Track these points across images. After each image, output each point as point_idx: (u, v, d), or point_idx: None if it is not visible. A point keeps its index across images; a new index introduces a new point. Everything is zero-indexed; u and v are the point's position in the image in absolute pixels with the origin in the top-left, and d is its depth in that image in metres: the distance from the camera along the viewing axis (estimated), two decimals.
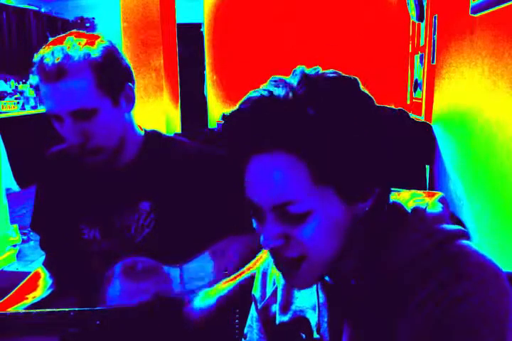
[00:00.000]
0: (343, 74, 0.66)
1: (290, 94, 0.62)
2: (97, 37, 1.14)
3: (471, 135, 2.37)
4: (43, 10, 6.91)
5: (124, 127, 1.18)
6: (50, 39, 1.13)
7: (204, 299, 1.04)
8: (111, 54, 1.12)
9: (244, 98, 0.66)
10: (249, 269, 1.07)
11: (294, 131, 0.61)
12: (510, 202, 1.82)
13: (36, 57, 1.09)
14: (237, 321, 1.03)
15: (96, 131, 1.11)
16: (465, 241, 0.66)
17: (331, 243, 0.65)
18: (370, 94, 0.67)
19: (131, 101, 1.18)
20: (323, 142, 0.61)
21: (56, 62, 1.05)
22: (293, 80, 0.64)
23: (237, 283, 1.04)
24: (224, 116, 0.66)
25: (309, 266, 0.66)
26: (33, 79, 1.09)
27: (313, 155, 0.61)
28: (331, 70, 0.66)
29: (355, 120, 0.62)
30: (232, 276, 1.07)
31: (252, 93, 0.65)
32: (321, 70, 0.66)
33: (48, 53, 1.07)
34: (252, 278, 1.03)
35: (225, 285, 1.05)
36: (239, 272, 1.07)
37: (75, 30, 1.16)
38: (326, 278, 0.73)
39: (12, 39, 6.39)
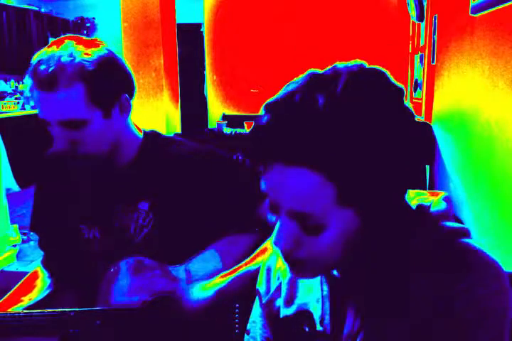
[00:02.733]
0: (372, 80, 0.63)
1: (316, 111, 0.59)
2: (97, 45, 1.12)
3: (471, 135, 2.37)
4: (43, 10, 6.90)
5: (116, 134, 1.17)
6: (51, 40, 1.12)
7: (202, 291, 1.04)
8: (108, 64, 1.10)
9: (270, 101, 0.63)
10: (247, 264, 1.07)
11: (323, 152, 0.58)
12: (510, 202, 1.82)
13: (34, 60, 1.08)
14: (237, 315, 1.03)
15: (85, 139, 1.10)
16: (469, 240, 0.67)
17: (340, 251, 0.66)
18: (407, 107, 0.64)
19: (125, 112, 1.16)
20: (352, 166, 0.59)
21: (50, 71, 1.04)
22: (317, 92, 0.60)
23: (236, 276, 1.05)
24: (255, 123, 0.63)
25: (314, 266, 0.68)
26: (28, 81, 1.08)
27: (342, 178, 0.60)
28: (357, 67, 0.64)
29: (387, 146, 0.60)
30: (231, 269, 1.07)
31: (278, 100, 0.62)
32: (346, 74, 0.62)
33: (44, 59, 1.06)
34: (251, 271, 1.03)
35: (223, 278, 1.05)
36: (238, 265, 1.08)
37: (73, 35, 1.14)
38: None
39: (12, 39, 6.38)
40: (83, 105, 1.07)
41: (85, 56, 1.08)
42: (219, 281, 1.04)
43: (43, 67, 1.05)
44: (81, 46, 1.09)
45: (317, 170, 0.59)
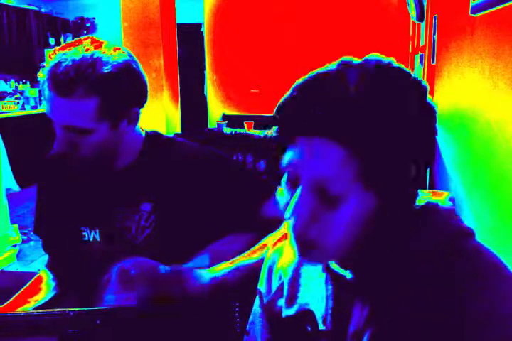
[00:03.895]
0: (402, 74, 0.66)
1: (347, 86, 0.62)
2: (118, 52, 1.09)
3: (471, 135, 2.37)
4: (43, 10, 6.91)
5: (119, 142, 1.16)
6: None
7: (198, 277, 1.04)
8: (127, 77, 1.08)
9: (301, 82, 0.65)
10: (246, 257, 1.07)
11: (351, 126, 0.60)
12: (510, 201, 1.82)
13: (55, 56, 1.05)
14: (237, 315, 1.03)
15: (85, 146, 1.10)
16: (478, 241, 0.67)
17: (350, 237, 0.65)
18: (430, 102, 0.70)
19: (133, 124, 1.15)
20: (378, 145, 0.61)
21: (68, 76, 1.02)
22: (349, 73, 0.63)
23: (233, 267, 1.05)
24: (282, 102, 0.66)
25: (323, 250, 0.66)
26: (43, 77, 1.06)
27: (367, 155, 0.61)
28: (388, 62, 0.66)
29: (411, 129, 0.64)
30: (230, 261, 1.07)
31: (307, 79, 0.65)
32: (380, 63, 0.65)
33: (66, 61, 1.03)
34: (249, 265, 1.03)
35: (220, 268, 1.06)
36: (236, 258, 1.08)
37: (97, 38, 1.11)
38: (334, 267, 0.74)
39: (12, 39, 6.39)
40: (92, 117, 1.06)
41: (107, 66, 1.05)
42: (216, 270, 1.05)
43: (62, 69, 1.03)
44: (104, 54, 1.06)
45: (344, 144, 0.61)
